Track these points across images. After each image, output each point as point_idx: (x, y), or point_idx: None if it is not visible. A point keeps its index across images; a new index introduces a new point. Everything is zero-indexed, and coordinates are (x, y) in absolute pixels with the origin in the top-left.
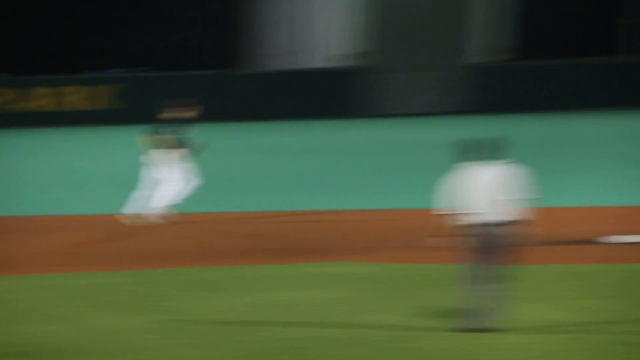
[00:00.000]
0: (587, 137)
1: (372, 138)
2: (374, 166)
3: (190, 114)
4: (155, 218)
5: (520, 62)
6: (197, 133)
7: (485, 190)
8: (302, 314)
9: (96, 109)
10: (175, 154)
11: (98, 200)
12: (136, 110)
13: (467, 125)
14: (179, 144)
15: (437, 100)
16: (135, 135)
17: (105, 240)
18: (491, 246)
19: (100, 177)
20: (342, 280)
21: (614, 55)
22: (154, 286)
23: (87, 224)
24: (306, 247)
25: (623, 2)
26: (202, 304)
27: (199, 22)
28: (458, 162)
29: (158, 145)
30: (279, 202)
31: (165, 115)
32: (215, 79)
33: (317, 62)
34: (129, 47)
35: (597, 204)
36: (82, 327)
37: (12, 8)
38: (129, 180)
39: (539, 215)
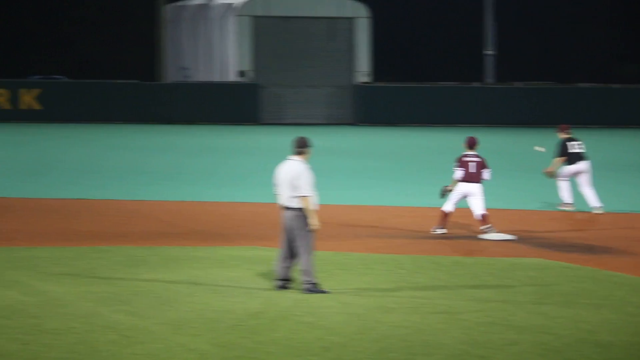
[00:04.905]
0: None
1: (271, 142)
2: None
3: None
4: None
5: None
6: None
7: (284, 180)
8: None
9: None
10: None
11: None
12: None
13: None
14: None
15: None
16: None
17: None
18: (288, 228)
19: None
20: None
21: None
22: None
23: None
24: (217, 232)
25: None
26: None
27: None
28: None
29: None
30: (195, 193)
31: None
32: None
33: (221, 76)
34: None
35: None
36: (28, 292)
37: None
38: None
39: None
